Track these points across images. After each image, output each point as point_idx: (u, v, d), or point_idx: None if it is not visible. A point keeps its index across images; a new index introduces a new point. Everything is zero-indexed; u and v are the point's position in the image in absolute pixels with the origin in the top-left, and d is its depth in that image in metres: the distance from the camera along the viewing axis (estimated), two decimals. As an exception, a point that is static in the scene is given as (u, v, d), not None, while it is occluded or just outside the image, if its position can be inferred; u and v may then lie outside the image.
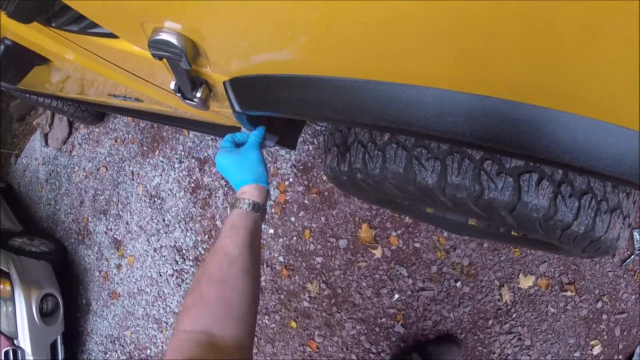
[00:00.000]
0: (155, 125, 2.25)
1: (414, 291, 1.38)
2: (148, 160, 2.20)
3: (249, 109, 0.64)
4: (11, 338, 1.88)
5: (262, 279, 1.67)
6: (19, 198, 2.98)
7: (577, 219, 0.63)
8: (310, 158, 1.66)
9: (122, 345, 2.18)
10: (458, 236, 1.32)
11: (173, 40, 0.51)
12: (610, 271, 1.29)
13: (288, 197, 1.68)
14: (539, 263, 1.31)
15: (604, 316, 1.28)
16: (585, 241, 0.69)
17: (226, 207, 1.86)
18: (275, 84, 0.55)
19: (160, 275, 2.03)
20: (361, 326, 1.44)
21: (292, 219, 1.65)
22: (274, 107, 0.58)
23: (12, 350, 1.87)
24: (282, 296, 1.62)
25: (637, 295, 1.27)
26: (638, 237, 1.23)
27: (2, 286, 1.97)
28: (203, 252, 1.88)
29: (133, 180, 2.25)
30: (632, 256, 1.24)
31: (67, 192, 2.67)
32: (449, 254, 1.35)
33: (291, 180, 1.67)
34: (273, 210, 1.70)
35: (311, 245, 1.58)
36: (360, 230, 1.48)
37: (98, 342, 2.29)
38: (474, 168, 0.64)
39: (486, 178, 0.63)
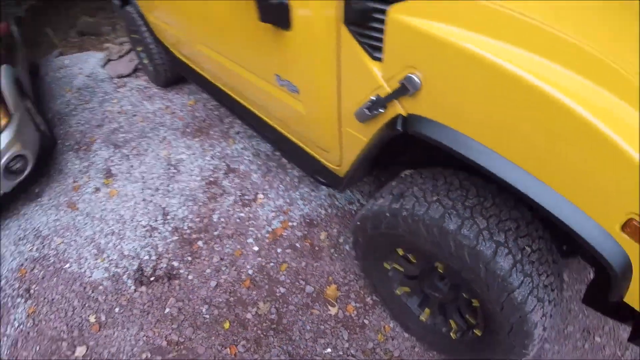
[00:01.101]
0: (207, 118, 2.74)
1: (345, 354, 1.79)
2: (184, 139, 2.65)
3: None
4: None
5: (224, 277, 2.03)
6: (40, 82, 3.30)
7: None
8: (318, 219, 2.15)
9: (43, 245, 2.30)
10: (402, 330, 1.78)
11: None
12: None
13: (284, 234, 2.13)
14: None
15: None
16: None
17: (229, 209, 2.28)
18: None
19: (132, 221, 2.32)
20: (286, 357, 1.81)
21: (279, 250, 2.09)
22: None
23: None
24: (231, 299, 1.98)
25: None
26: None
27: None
28: (186, 229, 2.24)
29: (161, 142, 2.66)
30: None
31: (91, 109, 3.03)
32: (387, 340, 1.80)
33: (295, 224, 2.14)
34: (267, 235, 2.13)
35: (282, 276, 2.00)
36: (328, 287, 1.93)
37: (21, 227, 2.42)
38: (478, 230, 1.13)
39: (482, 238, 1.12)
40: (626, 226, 0.84)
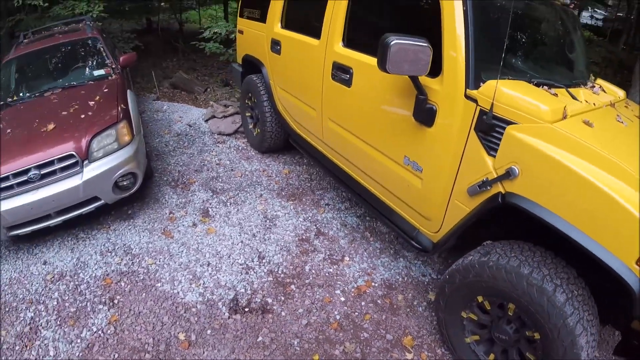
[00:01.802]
0: (300, 187, 3.35)
1: None
2: (279, 199, 3.21)
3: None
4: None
5: (314, 318, 2.44)
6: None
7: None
8: (396, 284, 2.62)
9: (132, 262, 2.65)
10: None
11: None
12: None
13: (368, 291, 2.60)
14: None
15: None
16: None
17: (319, 264, 2.78)
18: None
19: (229, 257, 2.72)
20: None
21: (362, 303, 2.50)
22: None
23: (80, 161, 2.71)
24: (320, 337, 2.30)
25: None
26: None
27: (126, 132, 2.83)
28: (280, 273, 2.71)
29: (258, 198, 3.23)
30: None
31: (190, 154, 3.64)
32: None
33: (376, 285, 2.58)
34: (353, 290, 2.58)
35: (365, 324, 2.38)
36: (405, 337, 2.35)
37: (110, 240, 2.78)
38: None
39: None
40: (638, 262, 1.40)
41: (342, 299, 2.48)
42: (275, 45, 3.29)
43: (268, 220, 2.98)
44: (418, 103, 1.97)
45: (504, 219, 1.92)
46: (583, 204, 1.50)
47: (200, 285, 2.50)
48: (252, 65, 3.75)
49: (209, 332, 2.24)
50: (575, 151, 1.54)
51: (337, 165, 2.80)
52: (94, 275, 2.54)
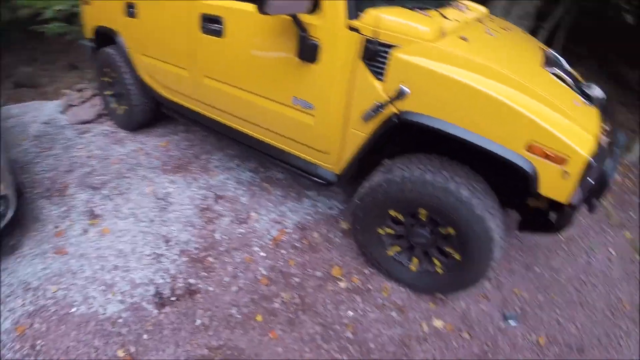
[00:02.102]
0: (183, 157, 3.19)
1: (364, 312, 2.46)
2: (166, 175, 3.03)
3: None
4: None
5: (242, 281, 2.53)
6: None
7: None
8: (308, 223, 2.78)
9: (36, 297, 2.34)
10: (398, 284, 2.51)
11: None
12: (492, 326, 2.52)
13: (284, 238, 2.74)
14: (442, 314, 2.52)
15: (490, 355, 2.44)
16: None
17: (228, 228, 2.79)
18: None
19: (134, 252, 2.55)
20: (319, 328, 2.39)
21: (283, 251, 2.66)
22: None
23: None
24: (255, 297, 2.47)
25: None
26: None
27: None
28: (192, 250, 2.66)
29: (142, 180, 3.01)
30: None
31: (56, 156, 3.18)
32: (390, 295, 2.51)
33: (290, 230, 2.73)
34: (270, 242, 2.71)
35: (292, 270, 2.58)
36: (333, 269, 2.59)
37: (5, 283, 2.42)
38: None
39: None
40: (528, 148, 1.72)
41: (262, 254, 2.56)
42: (129, 8, 2.92)
43: (161, 200, 2.81)
44: (301, 41, 1.99)
45: (397, 138, 2.14)
46: (472, 109, 1.76)
47: (116, 292, 2.34)
48: (105, 37, 3.34)
49: (145, 337, 2.14)
50: (458, 64, 1.77)
51: (221, 122, 2.70)
52: (5, 329, 2.17)
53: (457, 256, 2.18)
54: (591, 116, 2.02)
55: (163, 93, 3.01)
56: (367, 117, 2.05)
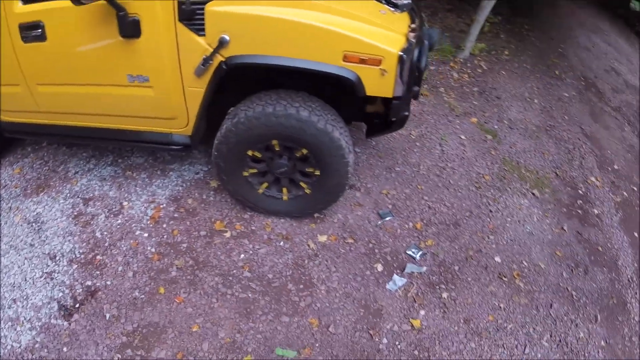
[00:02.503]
0: (41, 175, 3.16)
1: (254, 250, 2.81)
2: (30, 198, 3.04)
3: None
4: None
5: (135, 265, 2.75)
6: None
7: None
8: (180, 194, 3.01)
9: None
10: (277, 217, 2.87)
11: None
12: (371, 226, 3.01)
13: (161, 214, 2.96)
14: (324, 230, 2.95)
15: (375, 250, 2.92)
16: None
17: (106, 224, 2.93)
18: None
19: (26, 280, 2.63)
20: (218, 278, 2.71)
21: (164, 225, 2.90)
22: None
23: None
24: (152, 273, 2.72)
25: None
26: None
27: None
28: (79, 255, 2.79)
29: (9, 212, 3.01)
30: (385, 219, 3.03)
31: None
32: (273, 229, 2.87)
33: (164, 205, 2.95)
34: (149, 222, 2.92)
35: (178, 238, 2.84)
36: (215, 224, 2.89)
37: None
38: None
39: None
40: (345, 59, 2.03)
41: (145, 234, 2.79)
42: None
43: (33, 224, 2.86)
44: (121, 20, 2.10)
45: (237, 86, 2.42)
46: (287, 38, 2.03)
47: (23, 322, 2.45)
48: None
49: (65, 349, 2.33)
50: (266, 2, 2.04)
51: (70, 125, 2.72)
52: None
53: (317, 172, 2.55)
54: (398, 20, 2.40)
55: (2, 118, 2.91)
56: (199, 72, 2.24)
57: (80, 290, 2.59)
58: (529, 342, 2.69)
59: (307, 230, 2.90)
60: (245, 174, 2.64)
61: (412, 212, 3.22)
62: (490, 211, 3.40)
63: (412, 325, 2.60)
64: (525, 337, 2.71)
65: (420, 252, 2.94)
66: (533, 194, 3.68)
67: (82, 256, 2.72)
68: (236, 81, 2.44)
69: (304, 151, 2.48)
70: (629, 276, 3.31)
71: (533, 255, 3.22)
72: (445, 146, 3.91)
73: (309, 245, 2.81)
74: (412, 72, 2.27)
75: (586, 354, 2.74)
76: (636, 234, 3.65)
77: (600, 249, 3.46)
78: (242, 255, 2.72)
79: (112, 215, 2.88)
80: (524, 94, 4.98)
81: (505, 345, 2.64)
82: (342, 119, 2.51)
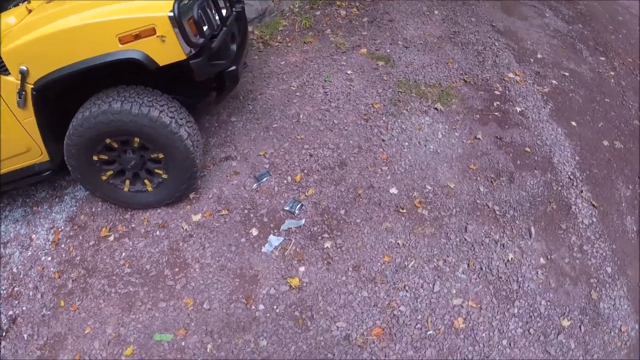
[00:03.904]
0: None
1: (133, 247, 3.14)
2: None
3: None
4: None
5: (44, 287, 3.21)
6: None
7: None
8: (75, 214, 3.42)
9: None
10: (125, 208, 3.18)
11: None
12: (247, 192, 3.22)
13: (60, 236, 3.40)
14: (198, 209, 3.20)
15: (250, 215, 3.14)
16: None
17: (19, 259, 3.45)
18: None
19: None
20: (105, 280, 3.08)
21: (62, 245, 3.33)
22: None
23: None
24: (55, 291, 3.15)
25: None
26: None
27: None
28: (2, 292, 3.33)
29: None
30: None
31: None
32: (150, 220, 3.18)
33: (62, 227, 3.38)
34: (50, 245, 3.37)
35: (73, 253, 3.24)
36: (101, 231, 3.26)
37: None
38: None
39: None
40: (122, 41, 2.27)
41: (49, 258, 3.23)
42: None
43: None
44: None
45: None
46: (69, 46, 2.31)
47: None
48: None
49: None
50: (35, 26, 2.36)
51: None
52: None
53: (161, 155, 2.82)
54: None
55: None
56: (21, 105, 2.57)
57: (5, 320, 3.10)
58: (439, 277, 2.64)
59: (182, 214, 3.15)
60: (104, 177, 2.97)
61: (291, 165, 3.31)
62: (383, 140, 3.37)
63: (290, 285, 2.73)
64: (433, 273, 2.67)
65: (299, 205, 3.03)
66: (436, 108, 3.56)
67: (5, 291, 3.24)
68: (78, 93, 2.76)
69: (137, 140, 2.73)
70: (569, 173, 3.08)
71: (439, 177, 3.14)
72: (329, 87, 3.91)
73: (183, 228, 3.06)
74: (199, 25, 2.42)
75: (520, 278, 2.60)
76: (574, 123, 3.32)
77: (528, 149, 3.24)
78: (124, 254, 3.05)
79: (24, 250, 3.39)
80: (422, 8, 4.80)
81: (407, 287, 2.63)
82: (186, 99, 2.83)
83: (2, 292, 3.18)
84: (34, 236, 3.43)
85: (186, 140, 2.66)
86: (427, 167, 3.19)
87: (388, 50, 4.07)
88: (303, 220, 2.98)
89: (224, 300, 2.71)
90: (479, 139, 3.34)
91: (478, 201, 2.97)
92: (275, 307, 2.65)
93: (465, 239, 2.77)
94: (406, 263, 2.72)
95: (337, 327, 2.56)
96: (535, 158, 3.23)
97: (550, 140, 3.34)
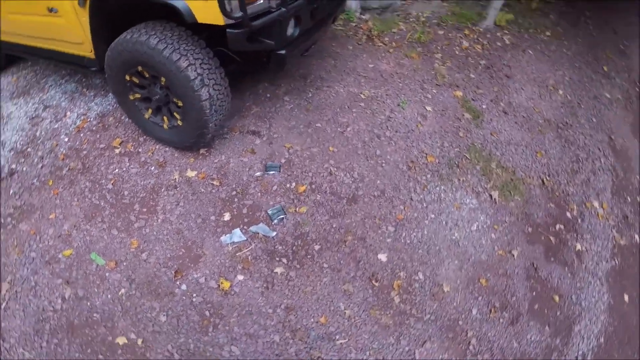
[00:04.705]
0: (27, 86, 4.21)
1: (127, 168, 3.30)
2: (12, 101, 4.09)
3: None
4: None
5: (46, 161, 3.52)
6: None
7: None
8: (106, 111, 3.69)
9: None
10: (155, 142, 3.33)
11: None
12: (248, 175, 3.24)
13: (85, 125, 3.67)
14: (198, 166, 3.27)
15: (235, 199, 3.17)
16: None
17: (48, 126, 3.80)
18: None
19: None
20: (89, 183, 3.29)
21: (82, 134, 3.59)
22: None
23: None
24: (52, 169, 3.44)
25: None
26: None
27: None
28: (18, 144, 3.70)
29: None
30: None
31: None
32: (153, 154, 3.32)
33: (91, 119, 3.65)
34: (73, 130, 3.66)
35: (84, 145, 3.50)
36: (114, 141, 3.46)
37: None
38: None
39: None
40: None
41: (66, 139, 3.56)
42: None
43: (4, 119, 3.91)
44: None
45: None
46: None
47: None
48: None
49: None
50: None
51: (26, 45, 3.69)
52: None
53: (180, 103, 2.92)
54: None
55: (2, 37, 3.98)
56: (81, 3, 2.83)
57: (6, 170, 3.49)
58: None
59: (182, 163, 3.25)
60: (132, 97, 3.15)
61: (305, 173, 3.22)
62: (411, 198, 3.11)
63: (220, 286, 2.72)
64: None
65: (281, 216, 2.96)
66: (490, 195, 3.16)
67: (20, 146, 3.65)
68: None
69: (163, 79, 2.84)
70: (580, 352, 2.64)
71: (440, 271, 2.86)
72: (396, 113, 3.66)
73: (174, 176, 3.16)
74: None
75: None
76: (626, 297, 2.78)
77: (556, 298, 2.80)
78: (116, 170, 3.25)
79: (54, 121, 3.76)
80: (548, 80, 4.23)
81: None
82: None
83: (17, 147, 3.51)
84: (68, 113, 3.76)
85: (204, 101, 2.66)
86: (435, 254, 2.87)
87: (484, 106, 3.70)
88: (275, 233, 2.89)
89: (159, 261, 2.76)
90: (513, 255, 2.92)
91: (460, 322, 2.62)
92: (194, 295, 2.64)
93: (414, 355, 2.46)
94: (337, 337, 2.52)
95: (231, 351, 2.46)
96: (557, 313, 2.74)
97: (587, 303, 2.81)
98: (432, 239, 2.93)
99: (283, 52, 2.74)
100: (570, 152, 3.66)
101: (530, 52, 4.57)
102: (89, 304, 2.64)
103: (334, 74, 4.02)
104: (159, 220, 2.95)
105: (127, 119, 3.55)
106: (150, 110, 3.16)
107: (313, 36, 3.10)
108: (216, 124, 3.00)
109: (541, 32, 4.91)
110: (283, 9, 2.54)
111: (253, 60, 3.06)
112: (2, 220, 3.06)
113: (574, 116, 4.01)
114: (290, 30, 2.70)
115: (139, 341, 2.50)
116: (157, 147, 3.35)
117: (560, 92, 4.25)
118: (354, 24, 4.73)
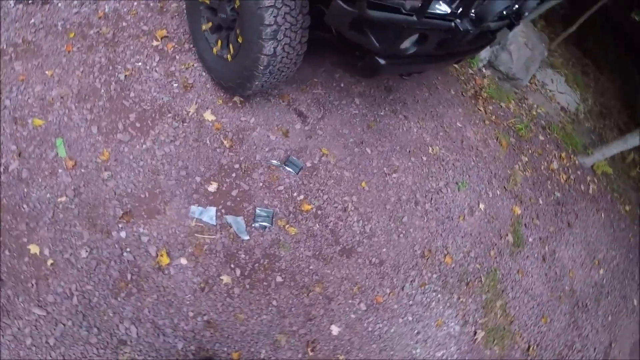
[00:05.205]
0: None
1: (151, 67, 2.89)
2: None
3: None
4: None
5: (84, 10, 3.09)
6: None
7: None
8: None
9: None
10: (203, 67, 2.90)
11: None
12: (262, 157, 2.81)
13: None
14: (221, 113, 2.84)
15: (233, 174, 2.76)
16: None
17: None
18: None
19: None
20: (104, 60, 2.88)
21: (135, 2, 3.17)
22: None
23: None
24: (83, 26, 3.05)
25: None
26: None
27: None
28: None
29: None
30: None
31: None
32: (186, 71, 2.92)
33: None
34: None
35: (128, 17, 3.08)
36: (160, 30, 3.02)
37: None
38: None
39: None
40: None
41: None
42: None
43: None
44: None
45: None
46: None
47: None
48: None
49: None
50: None
51: None
52: None
53: (240, 39, 2.44)
54: None
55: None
56: None
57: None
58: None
59: (208, 99, 2.88)
60: (204, 27, 2.73)
61: (321, 192, 2.83)
62: (402, 288, 2.74)
63: (158, 256, 2.42)
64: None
65: (267, 225, 2.59)
66: (475, 332, 2.89)
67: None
68: None
69: (237, 3, 2.34)
70: None
71: None
72: (449, 191, 3.27)
73: (188, 110, 2.79)
74: None
75: None
76: None
77: None
78: (139, 64, 2.89)
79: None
80: (598, 254, 3.96)
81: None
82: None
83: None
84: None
85: (264, 55, 2.26)
86: (386, 358, 2.48)
87: (530, 239, 3.48)
88: (247, 238, 2.51)
89: (117, 190, 2.48)
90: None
91: None
92: (128, 249, 2.36)
93: None
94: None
95: (128, 329, 2.24)
96: None
97: None
98: (393, 342, 2.60)
99: (383, 61, 2.22)
100: (570, 335, 3.35)
101: (602, 215, 4.22)
102: (25, 190, 2.35)
103: (419, 107, 3.51)
104: (144, 146, 2.61)
105: (185, 15, 3.09)
106: (219, 43, 2.72)
107: (426, 65, 2.58)
108: (264, 85, 2.55)
109: (623, 203, 4.54)
110: (414, 18, 1.99)
111: (341, 51, 2.52)
112: (4, 47, 2.71)
113: (596, 302, 3.67)
114: (407, 44, 2.16)
115: (49, 262, 2.24)
116: (196, 65, 2.92)
117: (601, 271, 3.87)
118: (471, 72, 4.19)
